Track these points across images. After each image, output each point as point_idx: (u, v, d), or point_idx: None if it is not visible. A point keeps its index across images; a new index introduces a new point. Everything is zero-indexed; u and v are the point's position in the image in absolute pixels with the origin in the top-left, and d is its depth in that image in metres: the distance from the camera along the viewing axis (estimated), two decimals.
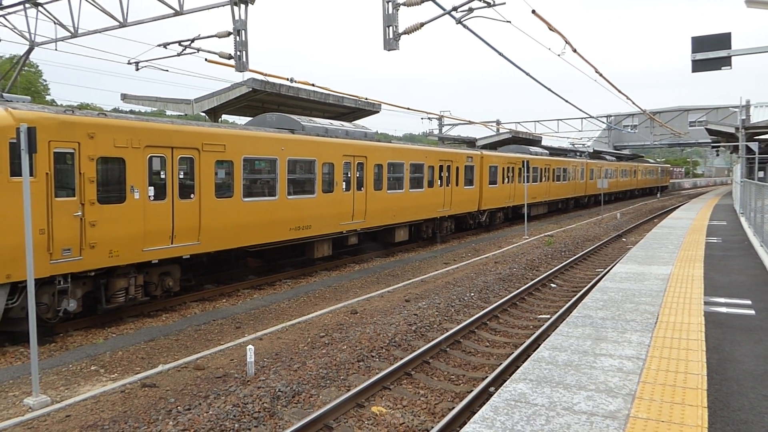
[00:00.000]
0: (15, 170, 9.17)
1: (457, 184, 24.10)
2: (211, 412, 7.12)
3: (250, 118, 17.93)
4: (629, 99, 31.75)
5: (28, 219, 7.59)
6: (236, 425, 6.84)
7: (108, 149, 10.74)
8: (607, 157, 53.60)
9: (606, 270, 17.00)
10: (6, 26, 16.36)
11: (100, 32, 15.60)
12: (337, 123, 18.19)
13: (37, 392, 7.72)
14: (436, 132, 44.54)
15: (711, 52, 11.58)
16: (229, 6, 13.38)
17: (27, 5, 15.70)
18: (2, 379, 8.68)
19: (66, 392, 8.20)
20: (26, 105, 10.15)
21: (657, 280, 10.71)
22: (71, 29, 15.57)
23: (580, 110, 29.22)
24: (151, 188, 11.58)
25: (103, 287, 11.16)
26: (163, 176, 11.87)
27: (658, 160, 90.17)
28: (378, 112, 23.13)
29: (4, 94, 11.18)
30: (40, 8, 15.61)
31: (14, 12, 16.12)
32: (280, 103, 19.19)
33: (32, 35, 16.20)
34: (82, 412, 7.41)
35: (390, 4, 12.05)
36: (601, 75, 22.44)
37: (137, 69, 17.22)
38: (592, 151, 51.16)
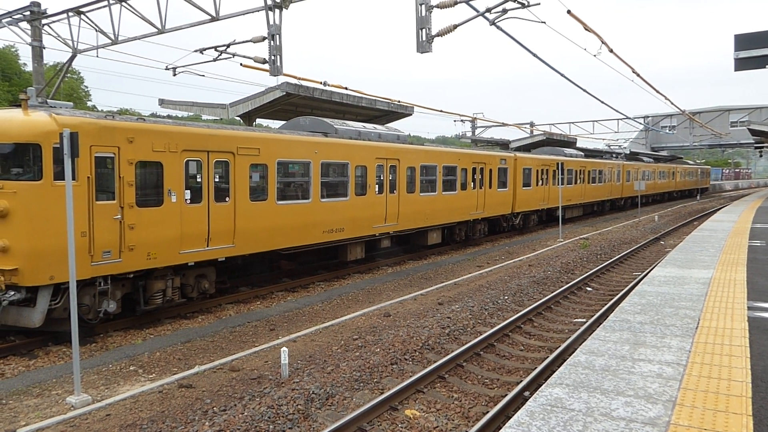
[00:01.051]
0: (58, 174, 9.44)
1: (490, 187, 23.91)
2: (246, 414, 7.19)
3: (283, 122, 18.12)
4: (667, 99, 31.05)
5: (70, 222, 7.79)
6: (271, 427, 6.89)
7: (146, 153, 10.97)
8: (645, 158, 52.49)
9: (644, 273, 16.63)
10: (50, 34, 16.89)
11: (139, 39, 15.98)
12: (369, 126, 18.23)
13: (79, 391, 7.91)
14: (469, 134, 44.27)
15: (755, 49, 11.24)
16: (263, 11, 13.55)
17: (70, 14, 16.19)
18: (46, 377, 8.93)
19: (106, 391, 8.39)
20: (69, 111, 10.44)
21: (697, 284, 10.42)
22: (112, 36, 15.98)
23: (617, 111, 28.70)
24: (188, 191, 11.78)
25: (142, 289, 11.39)
26: (199, 180, 12.07)
27: (697, 161, 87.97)
28: (411, 114, 23.14)
29: (48, 100, 11.53)
30: (82, 16, 16.07)
31: (58, 20, 16.64)
32: (313, 106, 19.34)
33: (75, 43, 16.68)
34: (122, 412, 7.57)
35: (423, 6, 12.03)
36: (638, 75, 22.00)
37: (174, 74, 17.57)
38: (628, 152, 50.19)
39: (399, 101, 23.06)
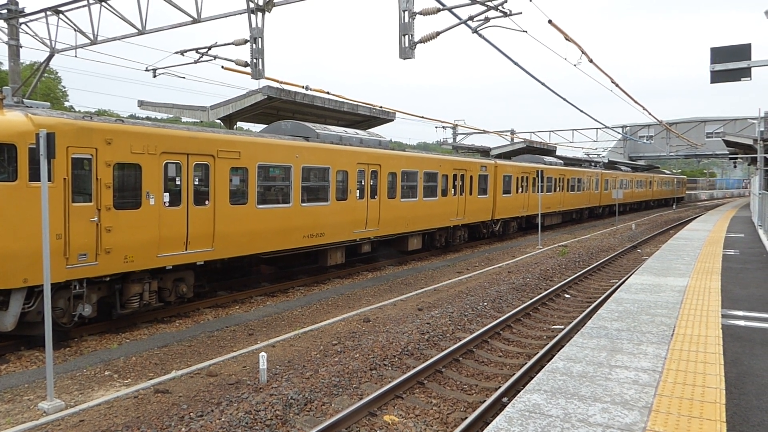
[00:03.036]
0: (34, 175, 9.28)
1: (470, 193, 24.03)
2: (223, 419, 7.12)
3: (265, 126, 18.03)
4: (645, 109, 31.48)
5: (45, 224, 7.67)
6: None
7: (125, 155, 10.84)
8: (622, 167, 53.25)
9: (621, 281, 16.84)
10: (27, 33, 16.64)
11: (119, 39, 15.81)
12: (351, 131, 18.23)
13: (52, 396, 7.77)
14: (451, 141, 44.49)
15: (730, 62, 11.46)
16: (246, 14, 13.50)
17: (48, 13, 15.97)
18: (18, 383, 8.75)
19: (80, 397, 8.25)
20: (46, 111, 10.28)
21: (673, 291, 10.58)
22: (91, 36, 15.80)
23: (596, 120, 29.06)
24: (167, 194, 11.66)
25: (118, 292, 11.23)
26: (178, 182, 11.95)
27: (674, 171, 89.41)
28: (392, 120, 23.17)
29: (24, 100, 11.34)
30: (61, 16, 15.87)
31: (36, 19, 16.40)
32: (295, 110, 19.29)
33: (53, 42, 16.44)
34: (96, 417, 7.45)
35: (406, 13, 12.08)
36: (617, 85, 22.30)
37: (155, 76, 17.41)
38: (607, 161, 50.84)
39: (381, 107, 23.10)
